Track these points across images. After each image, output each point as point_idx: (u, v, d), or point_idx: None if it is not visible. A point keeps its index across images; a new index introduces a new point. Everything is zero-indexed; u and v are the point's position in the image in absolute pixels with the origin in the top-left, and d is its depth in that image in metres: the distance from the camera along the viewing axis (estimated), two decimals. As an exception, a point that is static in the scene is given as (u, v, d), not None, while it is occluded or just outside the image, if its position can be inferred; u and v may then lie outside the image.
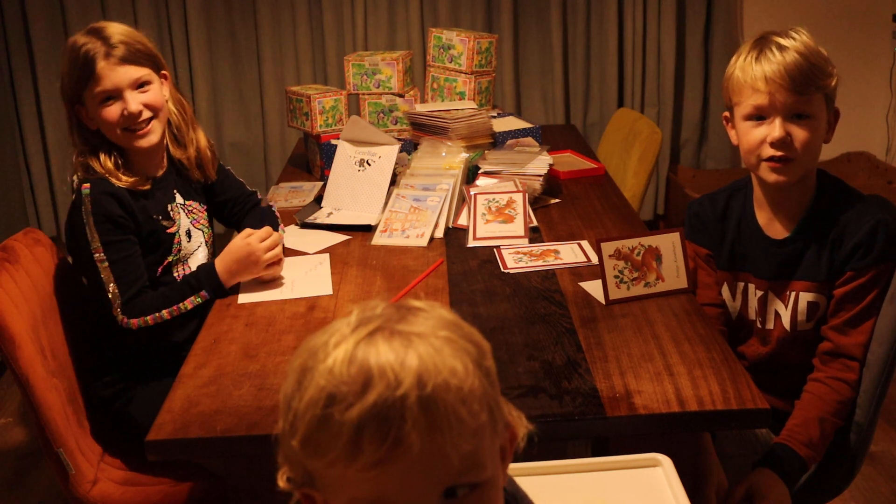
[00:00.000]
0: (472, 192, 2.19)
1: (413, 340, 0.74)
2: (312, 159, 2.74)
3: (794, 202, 1.68)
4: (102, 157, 1.82)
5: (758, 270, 1.74)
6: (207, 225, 2.05)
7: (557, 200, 2.38)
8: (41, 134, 3.77)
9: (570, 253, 2.00)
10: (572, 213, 2.29)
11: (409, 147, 2.52)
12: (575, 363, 1.51)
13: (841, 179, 1.71)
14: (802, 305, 1.68)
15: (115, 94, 1.79)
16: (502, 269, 1.93)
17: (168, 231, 1.90)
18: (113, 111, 1.79)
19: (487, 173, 2.35)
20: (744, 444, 1.76)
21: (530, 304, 1.74)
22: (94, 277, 1.79)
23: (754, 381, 1.43)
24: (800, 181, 1.64)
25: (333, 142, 2.51)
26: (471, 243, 2.08)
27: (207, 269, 1.86)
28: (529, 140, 2.60)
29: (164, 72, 1.91)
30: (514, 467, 1.05)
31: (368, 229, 2.19)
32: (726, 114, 1.71)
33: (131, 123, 1.81)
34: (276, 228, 2.01)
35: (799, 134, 1.58)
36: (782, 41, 1.58)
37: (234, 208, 2.13)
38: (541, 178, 2.32)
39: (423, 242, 2.09)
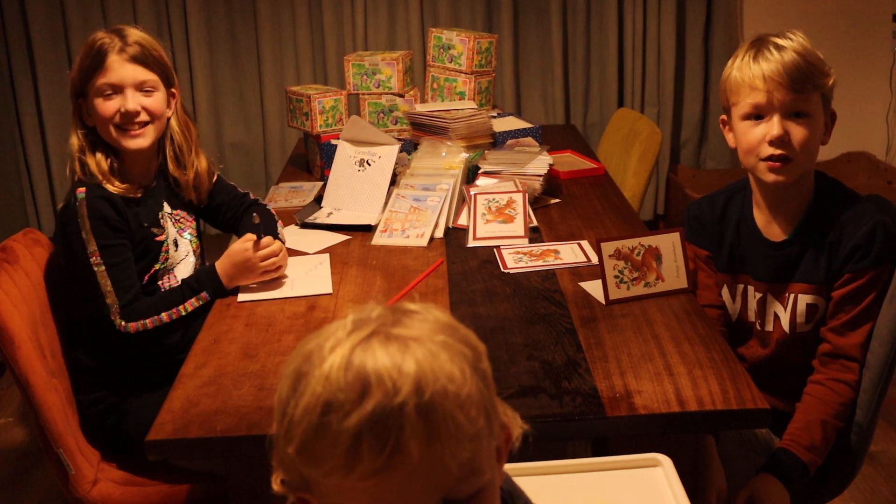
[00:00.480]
0: (472, 192, 2.19)
1: (410, 345, 0.74)
2: (312, 159, 2.74)
3: (792, 204, 1.68)
4: (99, 156, 1.81)
5: (756, 273, 1.74)
6: (195, 235, 2.03)
7: (557, 200, 2.38)
8: (41, 134, 3.77)
9: (570, 253, 2.00)
10: (572, 213, 2.29)
11: (409, 147, 2.52)
12: (575, 363, 1.51)
13: (839, 181, 1.71)
14: (801, 307, 1.68)
15: (117, 89, 1.79)
16: (502, 269, 1.93)
17: (157, 239, 1.89)
18: (110, 105, 1.79)
19: (487, 173, 2.35)
20: (744, 445, 1.76)
21: (530, 304, 1.74)
22: (90, 282, 1.76)
23: (754, 382, 1.43)
24: (798, 182, 1.64)
25: (333, 142, 2.51)
26: (471, 243, 2.08)
27: (208, 271, 1.85)
28: (529, 140, 2.60)
29: (173, 90, 1.91)
30: (513, 467, 1.05)
31: (368, 229, 2.19)
32: (723, 117, 1.71)
33: (126, 122, 1.80)
34: (273, 228, 2.01)
35: (797, 133, 1.58)
36: (780, 41, 1.58)
37: (228, 212, 2.12)
38: (541, 178, 2.32)
39: (423, 242, 2.09)
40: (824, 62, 1.60)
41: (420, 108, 2.66)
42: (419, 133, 2.57)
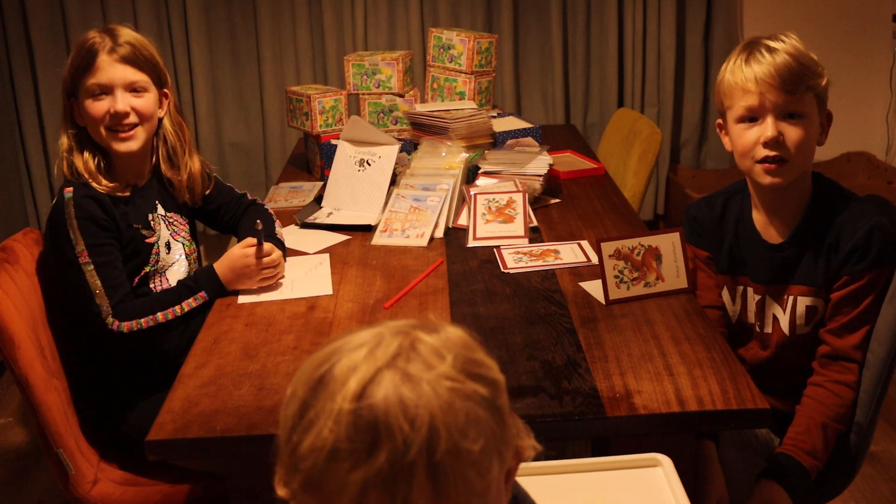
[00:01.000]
0: (472, 192, 2.19)
1: (424, 390, 0.70)
2: (312, 159, 2.74)
3: (790, 206, 1.68)
4: (86, 155, 1.80)
5: (755, 275, 1.74)
6: (189, 238, 2.02)
7: (557, 200, 2.38)
8: (41, 134, 3.77)
9: (570, 253, 2.00)
10: (572, 213, 2.29)
11: (409, 147, 2.52)
12: (575, 363, 1.51)
13: (837, 182, 1.71)
14: (801, 310, 1.68)
15: (107, 90, 1.78)
16: (502, 269, 1.93)
17: (147, 241, 1.88)
18: (100, 106, 1.78)
19: (487, 173, 2.35)
20: (744, 447, 1.76)
21: (530, 304, 1.74)
22: (79, 283, 1.74)
23: (754, 383, 1.43)
24: (795, 184, 1.64)
25: (333, 142, 2.51)
26: (471, 243, 2.08)
27: (207, 271, 1.85)
28: (529, 140, 2.60)
29: (165, 90, 1.90)
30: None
31: (368, 229, 2.19)
32: (719, 121, 1.71)
33: (116, 123, 1.80)
34: (272, 229, 2.01)
35: (791, 133, 1.58)
36: (772, 44, 1.58)
37: (226, 213, 2.11)
38: (541, 178, 2.32)
39: (423, 242, 2.09)
40: (817, 63, 1.59)
41: (420, 108, 2.66)
42: (419, 133, 2.58)
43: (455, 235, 2.14)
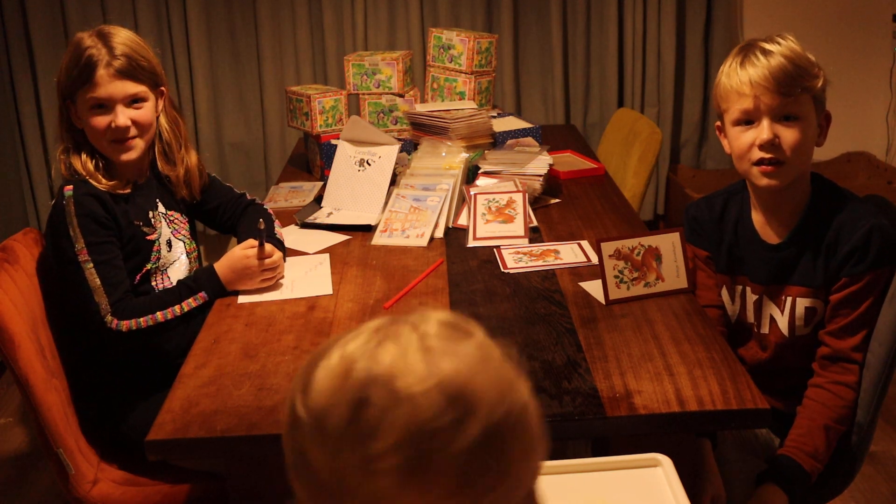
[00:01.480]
0: (472, 192, 2.19)
1: (466, 352, 0.75)
2: (312, 159, 2.74)
3: (788, 206, 1.68)
4: (84, 156, 1.80)
5: (754, 275, 1.74)
6: (189, 237, 2.02)
7: (557, 200, 2.38)
8: (41, 134, 3.77)
9: (570, 253, 2.00)
10: (572, 213, 2.29)
11: (409, 147, 2.52)
12: (575, 363, 1.51)
13: (835, 183, 1.71)
14: (800, 311, 1.68)
15: (107, 105, 1.78)
16: (502, 269, 1.93)
17: (148, 238, 1.88)
18: (101, 121, 1.78)
19: (487, 173, 2.35)
20: (743, 446, 1.76)
21: (530, 304, 1.74)
22: (79, 281, 1.74)
23: (754, 383, 1.43)
24: (793, 185, 1.64)
25: (333, 142, 2.51)
26: (471, 243, 2.08)
27: (207, 271, 1.85)
28: (529, 140, 2.60)
29: (161, 88, 1.90)
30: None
31: (368, 229, 2.19)
32: (717, 123, 1.71)
33: (118, 136, 1.80)
34: (272, 229, 2.01)
35: (787, 135, 1.58)
36: (767, 46, 1.58)
37: (225, 213, 2.11)
38: (541, 178, 2.32)
39: (423, 242, 2.09)
40: (814, 64, 1.59)
41: (420, 108, 2.66)
42: (419, 133, 2.58)
43: (455, 235, 2.14)
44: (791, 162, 1.60)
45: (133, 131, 1.81)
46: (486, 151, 2.47)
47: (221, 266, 1.85)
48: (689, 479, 1.36)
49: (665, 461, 1.19)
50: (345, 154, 2.41)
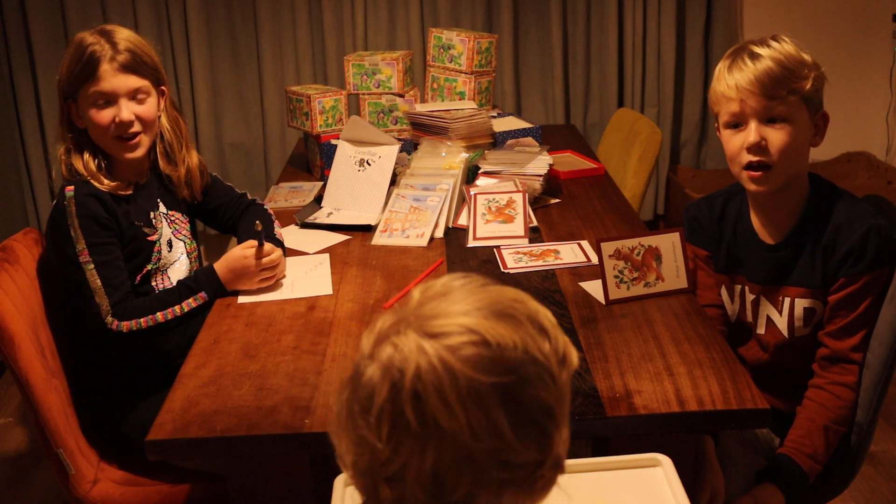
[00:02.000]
0: (472, 192, 2.19)
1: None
2: (312, 159, 2.74)
3: (785, 207, 1.68)
4: (86, 157, 1.80)
5: (752, 275, 1.74)
6: (190, 237, 2.02)
7: (557, 200, 2.38)
8: (41, 134, 3.77)
9: (570, 253, 2.00)
10: (572, 213, 2.29)
11: (409, 147, 2.52)
12: (575, 363, 1.50)
13: (834, 183, 1.70)
14: (799, 311, 1.68)
15: (111, 99, 1.78)
16: (502, 269, 1.93)
17: (149, 238, 1.88)
18: (105, 115, 1.78)
19: (487, 173, 2.35)
20: (744, 445, 1.76)
21: (530, 304, 1.74)
22: (80, 282, 1.75)
23: (754, 383, 1.43)
24: (788, 186, 1.64)
25: (333, 142, 2.51)
26: (471, 243, 2.08)
27: (207, 271, 1.85)
28: (529, 140, 2.60)
29: (163, 87, 1.90)
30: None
31: (368, 229, 2.19)
32: (716, 124, 1.72)
33: (122, 132, 1.80)
34: (271, 230, 2.01)
35: (775, 138, 1.58)
36: (756, 49, 1.58)
37: (226, 213, 2.11)
38: (541, 178, 2.32)
39: (423, 242, 2.09)
40: (805, 65, 1.58)
41: (420, 108, 2.66)
42: (419, 133, 2.58)
43: (455, 235, 2.14)
44: (779, 165, 1.59)
45: (137, 126, 1.81)
46: (486, 151, 2.47)
47: (220, 266, 1.85)
48: (690, 478, 1.36)
49: (665, 461, 1.19)
50: (345, 154, 2.41)
